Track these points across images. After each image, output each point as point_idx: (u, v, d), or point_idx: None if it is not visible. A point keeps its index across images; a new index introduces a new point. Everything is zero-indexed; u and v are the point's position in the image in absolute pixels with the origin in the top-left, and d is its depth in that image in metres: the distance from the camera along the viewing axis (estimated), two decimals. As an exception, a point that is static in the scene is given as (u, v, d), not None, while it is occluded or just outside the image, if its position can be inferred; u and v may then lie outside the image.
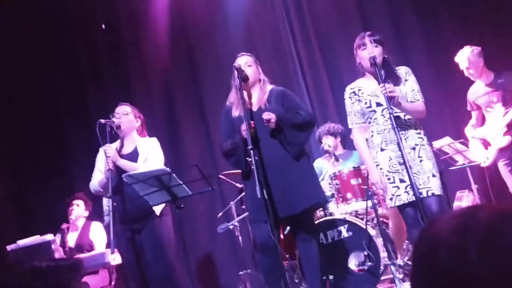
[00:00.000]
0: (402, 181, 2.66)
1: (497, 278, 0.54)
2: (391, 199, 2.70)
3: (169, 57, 5.44)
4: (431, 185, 2.63)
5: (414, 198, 2.58)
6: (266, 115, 2.73)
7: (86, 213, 4.30)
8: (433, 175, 2.66)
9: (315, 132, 4.19)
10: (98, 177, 3.29)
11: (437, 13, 4.71)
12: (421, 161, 2.67)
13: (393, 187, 2.69)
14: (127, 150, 3.29)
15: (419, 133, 2.75)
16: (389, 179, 2.70)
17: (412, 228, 2.69)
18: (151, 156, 3.23)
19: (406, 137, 2.69)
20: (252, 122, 2.73)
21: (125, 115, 3.28)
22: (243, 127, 2.68)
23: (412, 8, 4.83)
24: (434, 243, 0.60)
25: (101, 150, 3.28)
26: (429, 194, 2.61)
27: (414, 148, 2.68)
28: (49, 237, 3.62)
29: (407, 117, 2.73)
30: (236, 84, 2.86)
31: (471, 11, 4.53)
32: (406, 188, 2.64)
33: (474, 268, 0.55)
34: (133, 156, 3.24)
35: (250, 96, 2.93)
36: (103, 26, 5.35)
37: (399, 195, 2.66)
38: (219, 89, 4.76)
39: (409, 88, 2.78)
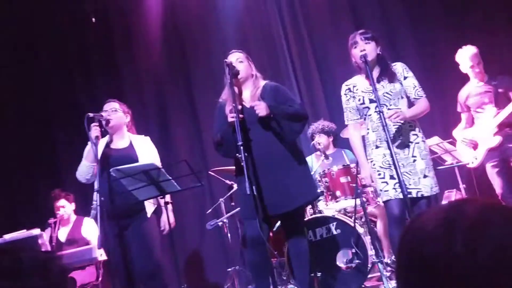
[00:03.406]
0: (392, 177, 2.67)
1: (483, 270, 0.54)
2: (379, 194, 2.76)
3: (160, 53, 5.41)
4: (421, 187, 2.64)
5: (401, 196, 2.61)
6: (255, 102, 2.71)
7: (73, 207, 4.28)
8: (425, 176, 2.67)
9: (306, 130, 4.20)
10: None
11: (427, 12, 4.74)
12: (414, 160, 2.68)
13: (382, 182, 2.70)
14: (120, 145, 3.25)
15: (414, 129, 2.74)
16: (379, 174, 2.72)
17: (393, 225, 2.72)
18: (155, 157, 3.24)
19: (400, 134, 2.70)
20: (241, 116, 2.71)
21: (114, 112, 3.25)
22: (228, 109, 2.65)
23: (402, 6, 4.86)
24: (421, 235, 0.59)
25: (89, 143, 3.24)
26: (419, 195, 2.63)
27: (408, 146, 2.69)
28: (35, 231, 3.59)
29: (392, 110, 2.73)
30: (227, 81, 2.84)
31: (461, 10, 4.57)
32: (394, 185, 2.66)
33: (460, 260, 0.55)
34: (129, 150, 3.21)
35: (241, 93, 2.92)
36: (93, 19, 5.29)
37: (386, 191, 2.68)
38: (210, 86, 4.75)
39: (410, 85, 2.78)
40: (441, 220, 0.59)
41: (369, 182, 2.78)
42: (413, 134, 2.73)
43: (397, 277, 0.67)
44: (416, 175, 2.66)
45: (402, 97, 2.77)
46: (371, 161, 2.78)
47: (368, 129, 2.81)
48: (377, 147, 2.75)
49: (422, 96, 2.78)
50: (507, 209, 0.59)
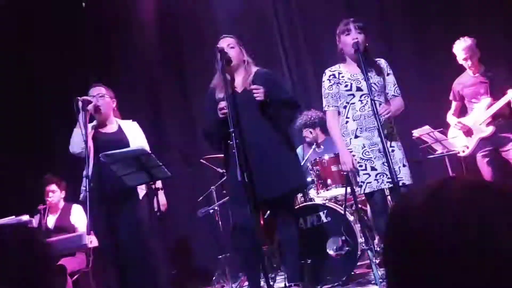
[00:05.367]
0: (373, 169, 2.69)
1: (471, 245, 0.54)
2: (360, 186, 2.73)
3: (153, 39, 5.35)
4: (402, 175, 2.68)
5: (383, 186, 2.67)
6: (255, 86, 2.70)
7: (63, 194, 4.24)
8: (404, 165, 2.72)
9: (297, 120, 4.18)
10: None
11: (423, 2, 4.73)
12: (392, 150, 2.72)
13: (364, 174, 2.71)
14: (110, 129, 3.24)
15: (391, 123, 2.79)
16: (360, 166, 2.72)
17: (378, 216, 2.74)
18: (144, 143, 3.21)
19: (380, 125, 2.71)
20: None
21: (101, 98, 3.22)
22: (220, 106, 2.65)
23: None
24: (408, 212, 0.59)
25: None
26: (400, 184, 2.65)
27: (386, 137, 2.71)
28: (25, 218, 3.55)
29: (382, 106, 2.75)
30: (219, 67, 2.82)
31: (457, 1, 4.57)
32: (376, 176, 2.68)
33: (448, 236, 0.55)
34: (119, 135, 3.20)
35: (233, 78, 2.90)
36: (83, 4, 5.20)
37: (369, 183, 2.69)
38: (203, 72, 4.70)
39: (391, 82, 2.84)
40: (428, 196, 0.59)
41: (350, 167, 2.72)
42: (390, 127, 2.78)
43: (385, 260, 0.66)
44: (396, 164, 2.69)
45: (383, 92, 2.81)
46: (350, 151, 2.76)
47: (347, 118, 2.78)
48: (356, 136, 2.74)
49: (400, 95, 2.85)
50: (495, 185, 0.58)
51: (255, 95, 2.68)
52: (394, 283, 0.62)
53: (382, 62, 2.87)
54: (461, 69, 3.89)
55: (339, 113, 2.87)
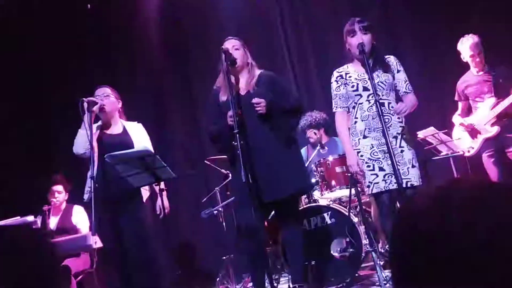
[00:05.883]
0: (381, 169, 2.68)
1: (479, 246, 0.54)
2: (368, 186, 2.72)
3: (157, 39, 5.36)
4: (411, 176, 2.66)
5: (391, 187, 2.65)
6: (256, 100, 2.71)
7: (66, 196, 4.26)
8: (413, 166, 2.69)
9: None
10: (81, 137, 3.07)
11: (427, 2, 4.72)
12: (402, 151, 2.70)
13: (371, 174, 2.70)
14: (114, 131, 3.24)
15: (401, 122, 2.76)
16: (368, 166, 2.71)
17: (385, 216, 2.73)
18: (148, 144, 3.21)
19: (389, 125, 2.69)
20: (239, 111, 2.72)
21: (106, 97, 3.23)
22: (230, 113, 2.66)
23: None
24: (415, 213, 0.59)
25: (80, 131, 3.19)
26: (408, 185, 2.64)
27: (396, 137, 2.70)
28: (30, 218, 3.57)
29: (392, 104, 2.74)
30: (223, 68, 2.83)
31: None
32: (384, 176, 2.67)
33: (456, 237, 0.55)
34: (124, 136, 3.21)
35: (238, 80, 2.91)
36: (88, 6, 5.22)
37: (377, 183, 2.68)
38: (207, 73, 4.72)
39: (402, 79, 2.81)
40: (435, 198, 0.58)
41: (356, 169, 2.72)
42: (400, 126, 2.75)
43: (392, 262, 0.66)
44: (405, 165, 2.67)
45: (392, 90, 2.78)
46: (358, 152, 2.75)
47: (356, 118, 2.78)
48: (364, 137, 2.73)
49: (412, 91, 2.81)
50: (501, 186, 0.58)
51: (256, 108, 2.70)
52: (401, 285, 0.62)
53: (392, 59, 2.84)
54: (466, 69, 3.87)
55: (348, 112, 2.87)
